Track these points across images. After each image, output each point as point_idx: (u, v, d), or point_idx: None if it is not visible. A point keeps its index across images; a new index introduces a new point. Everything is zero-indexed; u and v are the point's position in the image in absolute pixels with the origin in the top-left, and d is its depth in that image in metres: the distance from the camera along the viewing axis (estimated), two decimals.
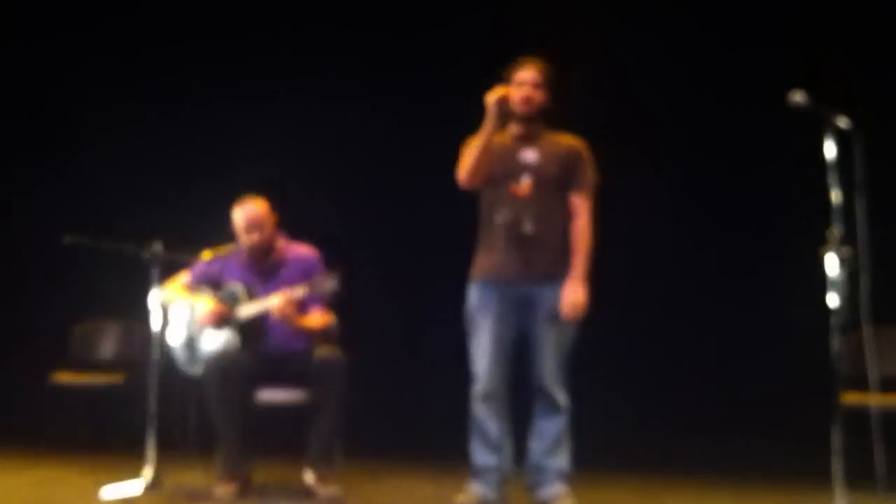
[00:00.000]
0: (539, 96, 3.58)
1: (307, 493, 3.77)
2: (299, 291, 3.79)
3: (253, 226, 3.98)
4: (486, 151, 3.52)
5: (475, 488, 3.58)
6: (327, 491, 3.75)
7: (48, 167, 5.94)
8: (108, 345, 5.79)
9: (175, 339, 4.06)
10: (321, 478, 3.79)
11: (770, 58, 5.12)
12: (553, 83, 3.61)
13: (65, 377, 5.44)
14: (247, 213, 4.00)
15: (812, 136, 3.35)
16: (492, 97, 3.47)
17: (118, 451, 4.63)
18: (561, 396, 3.56)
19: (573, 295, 3.52)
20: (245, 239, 4.00)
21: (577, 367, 3.60)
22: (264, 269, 4.04)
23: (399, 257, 5.64)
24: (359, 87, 5.65)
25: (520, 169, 3.58)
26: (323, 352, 3.91)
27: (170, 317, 4.08)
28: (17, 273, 5.89)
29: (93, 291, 5.62)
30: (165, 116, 5.80)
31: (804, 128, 3.47)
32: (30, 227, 5.73)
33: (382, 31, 5.73)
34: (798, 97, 3.33)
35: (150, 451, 3.82)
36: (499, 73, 3.60)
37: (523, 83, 3.58)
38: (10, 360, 5.66)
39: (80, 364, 5.60)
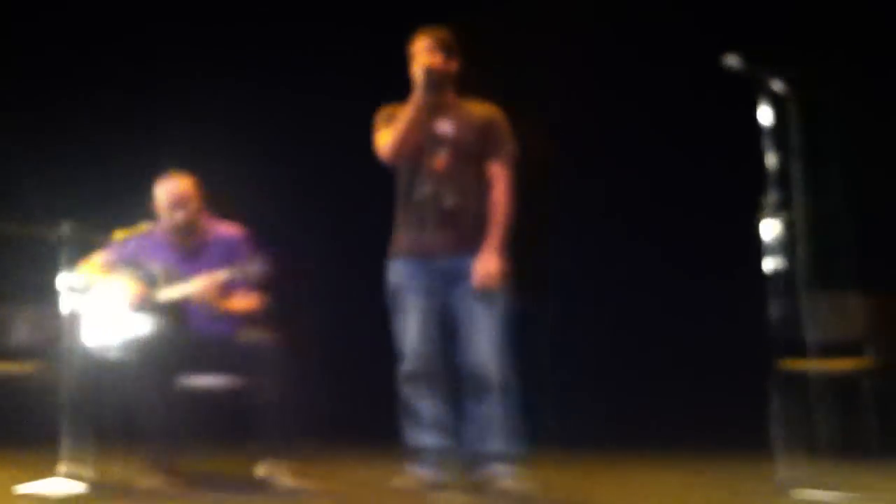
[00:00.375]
0: (435, 60, 3.42)
1: (260, 485, 3.59)
2: (223, 274, 3.61)
3: (177, 203, 3.77)
4: (416, 124, 3.38)
5: (413, 470, 3.47)
6: (285, 482, 3.58)
7: None
8: (18, 332, 5.49)
9: (91, 323, 3.83)
10: (274, 469, 3.61)
11: (704, 19, 5.06)
12: (453, 48, 3.48)
13: None
14: (171, 189, 3.79)
15: (748, 102, 3.31)
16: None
17: (33, 446, 4.37)
18: (494, 375, 3.41)
19: (487, 264, 3.40)
20: (168, 217, 3.79)
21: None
22: (186, 250, 3.84)
23: (317, 239, 5.48)
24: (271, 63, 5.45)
25: (436, 142, 3.46)
26: (250, 336, 3.73)
27: (86, 300, 3.85)
28: None
29: (1, 276, 5.32)
30: (77, 91, 5.48)
31: (739, 93, 3.41)
32: None
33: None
34: (733, 60, 3.28)
35: (66, 446, 3.60)
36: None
37: (418, 53, 3.45)
38: None
39: None
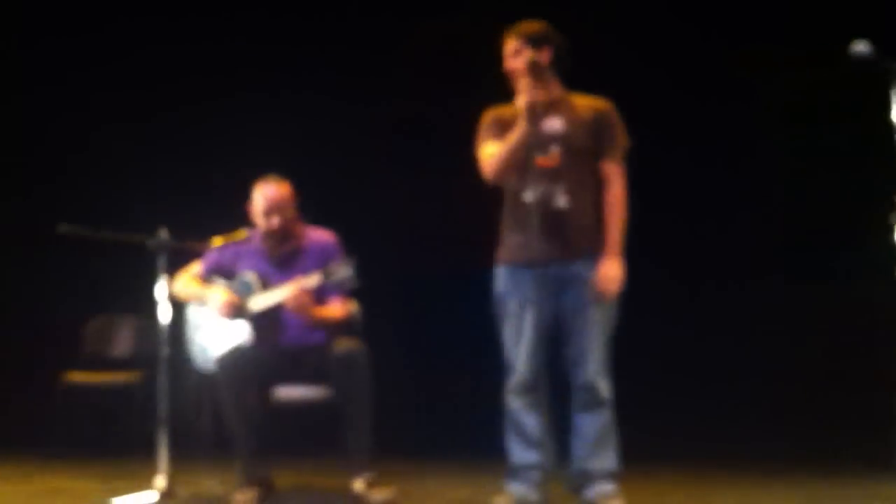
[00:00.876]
0: (521, 63, 3.24)
1: (355, 501, 3.46)
2: (313, 280, 3.50)
3: (274, 208, 3.68)
4: (521, 151, 3.21)
5: (514, 488, 3.29)
6: (380, 497, 3.44)
7: (55, 160, 5.67)
8: (122, 342, 5.53)
9: (190, 333, 3.78)
10: (371, 484, 3.48)
11: (828, 7, 4.74)
12: (543, 39, 3.28)
13: (78, 377, 5.19)
14: (269, 193, 3.70)
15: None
16: (521, 103, 3.16)
17: (132, 456, 4.37)
18: (604, 388, 3.25)
19: (609, 270, 3.21)
20: (263, 223, 3.71)
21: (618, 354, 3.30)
22: (281, 257, 3.75)
23: (416, 244, 5.34)
24: (367, 76, 5.35)
25: (546, 139, 3.26)
26: (343, 344, 3.60)
27: (184, 310, 3.80)
28: (28, 270, 5.65)
29: (106, 286, 5.37)
30: (176, 97, 5.50)
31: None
32: (38, 222, 5.47)
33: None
34: (861, 47, 3.00)
35: (163, 458, 3.54)
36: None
37: (505, 60, 3.30)
38: (21, 361, 5.43)
39: (93, 363, 5.35)
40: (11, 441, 4.88)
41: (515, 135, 3.21)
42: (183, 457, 3.67)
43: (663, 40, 4.96)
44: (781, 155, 5.15)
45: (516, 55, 3.29)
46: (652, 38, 4.93)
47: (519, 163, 3.24)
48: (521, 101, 3.17)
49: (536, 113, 3.18)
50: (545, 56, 3.30)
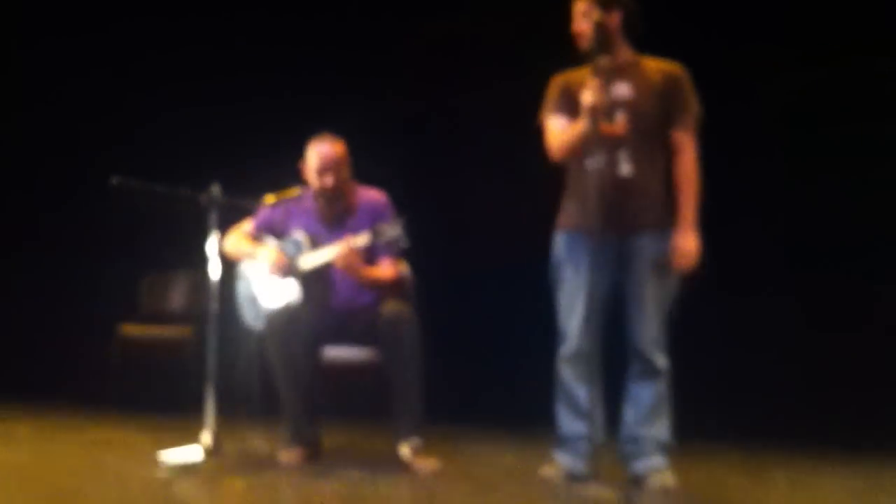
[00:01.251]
0: (588, 25, 3.12)
1: (401, 466, 3.42)
2: (362, 239, 3.44)
3: (328, 167, 3.62)
4: (586, 141, 3.10)
5: (562, 459, 3.23)
6: (425, 466, 3.41)
7: (111, 116, 5.68)
8: (177, 297, 5.57)
9: (240, 291, 3.77)
10: (417, 451, 3.45)
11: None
12: (612, 0, 3.15)
13: (133, 330, 5.25)
14: (324, 151, 3.64)
15: None
16: (587, 100, 3.03)
17: (182, 412, 4.38)
18: (660, 359, 3.17)
19: (686, 243, 3.10)
20: (316, 181, 3.65)
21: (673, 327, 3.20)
22: (332, 217, 3.70)
23: (472, 208, 5.24)
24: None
25: (612, 105, 3.14)
26: (392, 307, 3.55)
27: (235, 267, 3.78)
28: (84, 224, 5.69)
29: (163, 241, 5.38)
30: (230, 55, 5.45)
31: None
32: (97, 176, 5.50)
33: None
34: None
35: (210, 414, 3.53)
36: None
37: (573, 23, 3.18)
38: (77, 314, 5.49)
39: (148, 318, 5.40)
40: (67, 393, 4.96)
41: (576, 132, 3.12)
42: (231, 414, 3.67)
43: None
44: None
45: (584, 17, 3.16)
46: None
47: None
48: (586, 98, 3.05)
49: (598, 115, 3.06)
50: (615, 19, 3.18)
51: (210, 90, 5.30)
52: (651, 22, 3.18)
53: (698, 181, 3.17)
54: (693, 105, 3.21)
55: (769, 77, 4.97)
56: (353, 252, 3.47)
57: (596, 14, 3.13)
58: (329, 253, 3.51)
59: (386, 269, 3.64)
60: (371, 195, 3.74)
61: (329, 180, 3.64)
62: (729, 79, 4.74)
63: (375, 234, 3.44)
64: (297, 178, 3.75)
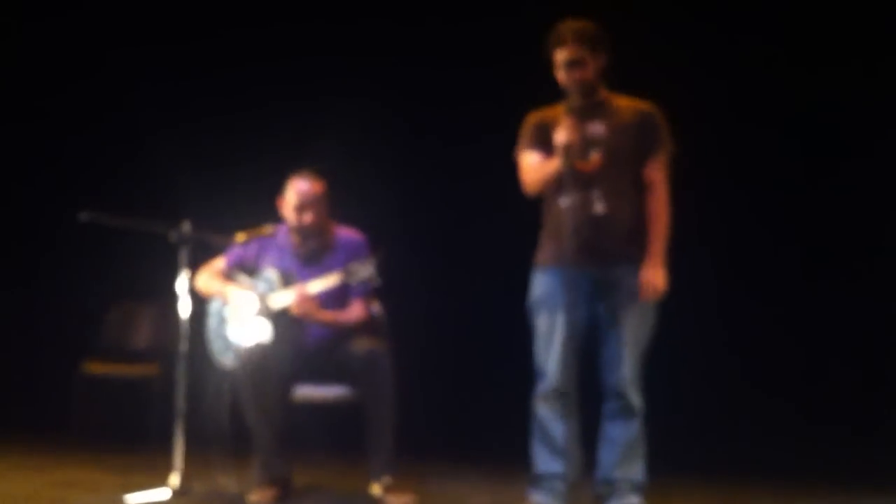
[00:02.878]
0: (583, 73, 3.16)
1: None
2: (332, 279, 3.43)
3: (307, 204, 3.60)
4: (560, 179, 3.12)
5: (537, 498, 3.21)
6: (400, 502, 3.38)
7: (75, 146, 5.61)
8: (142, 332, 5.46)
9: (211, 328, 3.71)
10: (389, 489, 3.41)
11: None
12: (597, 42, 3.17)
13: (97, 368, 5.14)
14: (303, 189, 3.61)
15: None
16: (560, 138, 3.05)
17: (149, 450, 4.31)
18: (636, 397, 3.18)
19: (653, 276, 3.13)
20: (295, 218, 3.63)
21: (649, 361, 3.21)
22: (308, 254, 3.67)
23: (450, 244, 5.23)
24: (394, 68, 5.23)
25: (587, 143, 3.16)
26: (364, 344, 3.52)
27: (205, 304, 3.73)
28: (48, 256, 5.60)
29: (128, 274, 5.30)
30: (209, 91, 5.41)
31: None
32: (59, 208, 5.42)
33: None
34: None
35: (178, 454, 3.47)
36: (539, 51, 3.21)
37: (560, 67, 3.17)
38: (40, 349, 5.38)
39: (113, 353, 5.29)
40: (28, 429, 4.84)
41: (551, 169, 3.14)
42: (200, 452, 3.61)
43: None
44: None
45: (568, 65, 3.16)
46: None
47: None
48: (560, 137, 3.06)
49: (572, 153, 3.08)
50: (600, 62, 3.20)
51: (184, 123, 5.25)
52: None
53: (669, 217, 3.20)
54: (666, 142, 3.25)
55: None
56: (308, 298, 3.46)
57: (585, 66, 3.15)
58: (287, 298, 3.49)
59: (354, 310, 3.62)
60: (348, 235, 3.72)
61: (308, 217, 3.62)
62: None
63: (347, 273, 3.43)
64: (271, 214, 3.72)
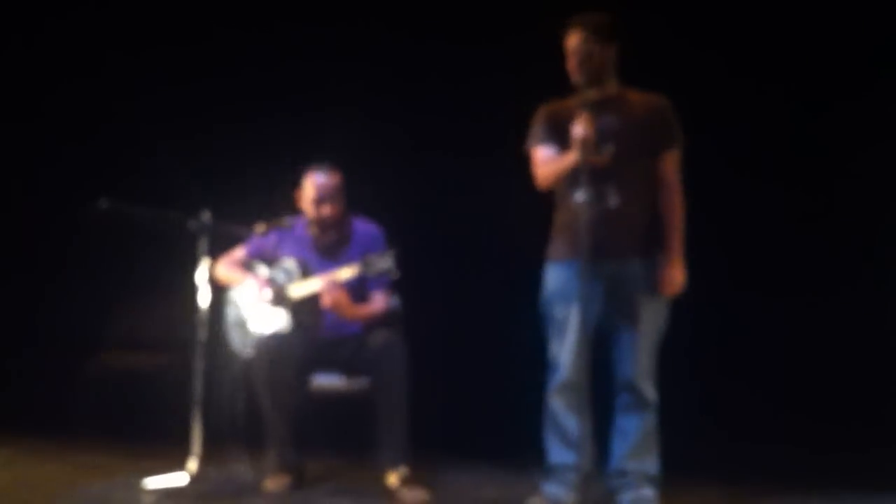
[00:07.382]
0: (591, 63, 3.18)
1: (387, 496, 3.42)
2: (350, 271, 3.46)
3: (325, 197, 3.64)
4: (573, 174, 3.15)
5: (549, 489, 3.24)
6: (412, 495, 3.40)
7: (101, 134, 5.63)
8: (159, 322, 5.49)
9: (228, 319, 3.75)
10: (404, 481, 3.44)
11: None
12: (608, 33, 3.21)
13: (109, 358, 5.19)
14: (320, 181, 3.65)
15: None
16: (578, 132, 3.08)
17: (165, 439, 4.34)
18: (649, 391, 3.20)
19: (673, 273, 3.16)
20: (313, 210, 3.66)
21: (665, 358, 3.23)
22: (326, 246, 3.71)
23: (464, 236, 5.24)
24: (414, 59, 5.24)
25: (599, 137, 3.17)
26: (380, 335, 3.56)
27: (224, 293, 3.77)
28: (60, 246, 5.63)
29: (140, 265, 5.33)
30: (226, 78, 5.42)
31: None
32: (77, 199, 5.45)
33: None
34: None
35: (195, 441, 3.51)
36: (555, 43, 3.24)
37: (568, 56, 3.21)
38: (53, 340, 5.41)
39: (129, 343, 5.33)
40: (45, 417, 4.88)
41: (567, 163, 3.16)
42: (214, 440, 3.64)
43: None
44: None
45: (579, 51, 3.20)
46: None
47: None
48: (577, 130, 3.09)
49: (588, 147, 3.10)
50: (610, 52, 3.22)
51: (202, 116, 5.27)
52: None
53: (683, 210, 3.23)
54: (678, 135, 3.27)
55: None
56: (340, 289, 3.48)
57: (592, 47, 3.18)
58: (316, 284, 3.51)
59: (377, 303, 3.66)
60: (365, 226, 3.75)
61: (326, 210, 3.65)
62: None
63: (365, 265, 3.45)
64: (288, 208, 3.75)
